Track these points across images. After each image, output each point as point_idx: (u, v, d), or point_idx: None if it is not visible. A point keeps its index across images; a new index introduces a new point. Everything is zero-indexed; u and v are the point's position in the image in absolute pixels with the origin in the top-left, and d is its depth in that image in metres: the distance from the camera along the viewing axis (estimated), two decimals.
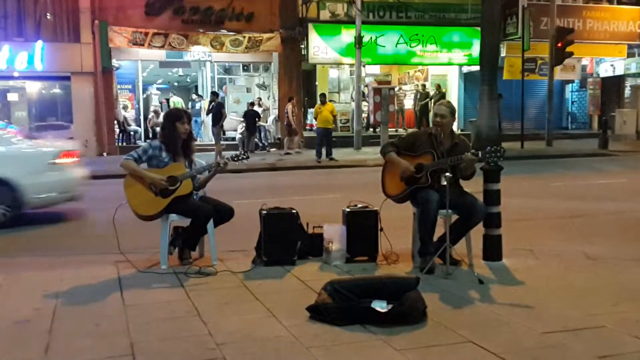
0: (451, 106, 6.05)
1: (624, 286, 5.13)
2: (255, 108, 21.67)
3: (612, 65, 27.51)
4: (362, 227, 6.03)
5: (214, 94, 20.21)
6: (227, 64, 24.80)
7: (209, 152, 18.33)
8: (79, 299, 4.95)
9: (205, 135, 23.08)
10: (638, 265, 5.86)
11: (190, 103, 25.25)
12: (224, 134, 20.66)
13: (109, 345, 3.91)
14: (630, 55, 26.76)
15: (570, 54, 21.27)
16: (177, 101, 24.97)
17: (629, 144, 21.54)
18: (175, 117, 6.07)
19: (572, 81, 28.16)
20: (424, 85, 25.86)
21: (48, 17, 20.62)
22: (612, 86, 27.89)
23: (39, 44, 20.27)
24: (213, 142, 19.65)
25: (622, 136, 22.90)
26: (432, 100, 24.72)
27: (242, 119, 21.42)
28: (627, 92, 27.51)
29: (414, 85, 26.73)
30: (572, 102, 29.19)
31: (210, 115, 19.72)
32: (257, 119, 20.99)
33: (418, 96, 25.25)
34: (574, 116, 29.03)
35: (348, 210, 6.12)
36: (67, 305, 4.78)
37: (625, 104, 26.91)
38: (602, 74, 27.96)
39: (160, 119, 23.54)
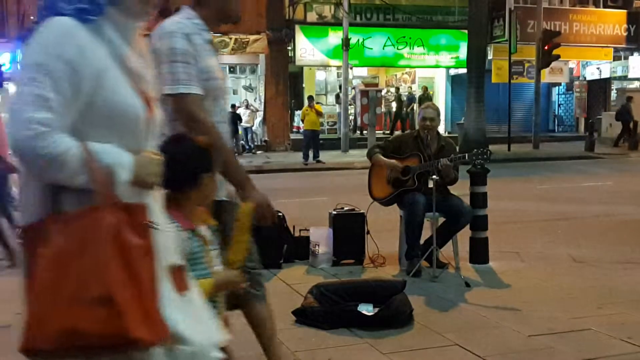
0: (437, 108, 6.06)
1: (609, 289, 5.14)
2: (242, 110, 21.61)
3: (598, 68, 27.72)
4: (348, 230, 6.01)
5: None
6: None
7: None
8: None
9: None
10: (624, 267, 5.88)
11: None
12: None
13: None
14: (616, 58, 26.97)
15: (557, 57, 21.40)
16: None
17: (615, 147, 21.69)
18: None
19: (559, 84, 28.35)
20: (397, 89, 25.98)
21: (32, 19, 20.50)
22: (599, 89, 28.09)
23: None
24: None
25: (608, 139, 23.05)
26: (418, 102, 24.81)
27: None
28: (614, 95, 27.71)
29: (392, 89, 26.81)
30: (559, 105, 29.38)
31: None
32: (239, 121, 20.90)
33: (403, 99, 25.35)
34: (561, 119, 29.22)
35: (334, 213, 6.10)
36: None
37: (611, 107, 27.10)
38: (589, 77, 28.17)
39: None
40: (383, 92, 25.51)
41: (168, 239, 1.93)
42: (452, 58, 24.82)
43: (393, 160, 5.84)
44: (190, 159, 2.31)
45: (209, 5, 2.90)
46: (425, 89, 25.50)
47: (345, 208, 6.21)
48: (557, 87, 28.96)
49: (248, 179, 2.90)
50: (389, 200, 5.96)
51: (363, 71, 26.78)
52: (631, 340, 3.91)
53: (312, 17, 23.20)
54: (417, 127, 6.20)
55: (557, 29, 23.68)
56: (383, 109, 25.26)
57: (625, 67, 27.13)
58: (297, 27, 22.87)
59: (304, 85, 25.11)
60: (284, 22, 22.67)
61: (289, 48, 23.09)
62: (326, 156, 18.84)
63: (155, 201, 1.90)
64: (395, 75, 28.29)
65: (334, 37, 22.75)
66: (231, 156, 2.91)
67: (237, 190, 2.88)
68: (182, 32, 2.78)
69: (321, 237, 6.02)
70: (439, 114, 5.97)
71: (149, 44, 2.63)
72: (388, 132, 24.94)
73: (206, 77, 2.80)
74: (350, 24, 21.63)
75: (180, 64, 2.73)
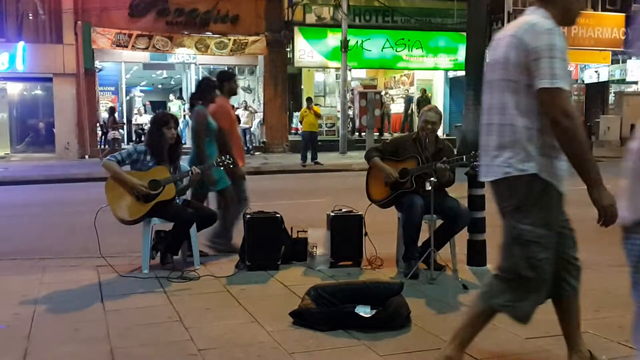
0: (440, 112, 6.05)
1: (607, 292, 5.14)
2: (241, 111, 21.58)
3: (596, 71, 27.75)
4: (346, 232, 6.00)
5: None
6: (212, 67, 24.70)
7: None
8: (59, 304, 4.88)
9: (188, 138, 23.01)
10: (621, 270, 5.83)
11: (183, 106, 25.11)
12: None
13: (89, 351, 3.86)
14: (614, 61, 27.02)
15: None
16: (173, 105, 24.80)
17: (612, 150, 21.72)
18: (162, 122, 5.99)
19: None
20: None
21: (30, 17, 20.45)
22: (596, 92, 28.13)
23: (21, 44, 20.12)
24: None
25: (606, 142, 23.09)
26: (417, 105, 24.87)
27: None
28: (611, 98, 27.77)
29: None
30: None
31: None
32: (237, 122, 20.86)
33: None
34: None
35: (332, 214, 6.09)
36: (46, 311, 4.71)
37: (609, 110, 27.15)
38: (587, 80, 28.21)
39: (144, 118, 23.53)
40: (382, 94, 25.51)
41: None
42: (450, 60, 24.83)
43: (390, 168, 5.83)
44: None
45: (556, 4, 3.07)
46: (423, 91, 25.51)
47: (343, 210, 6.20)
48: None
49: (598, 178, 3.04)
50: (387, 202, 5.96)
51: (362, 73, 26.79)
52: (629, 343, 3.90)
53: (311, 18, 23.21)
54: (415, 129, 6.19)
55: None
56: (382, 111, 25.27)
57: (623, 71, 27.17)
58: (295, 29, 22.87)
59: (302, 86, 25.12)
60: (283, 23, 22.69)
61: (288, 49, 23.10)
62: (324, 158, 18.84)
63: None
64: (394, 78, 28.28)
65: (333, 39, 22.76)
66: (585, 153, 3.02)
67: (587, 187, 3.04)
68: (559, 30, 2.95)
69: (319, 239, 6.02)
70: (441, 118, 5.96)
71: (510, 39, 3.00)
72: (387, 134, 24.98)
73: (569, 74, 2.99)
74: (349, 26, 21.65)
75: (558, 60, 2.89)
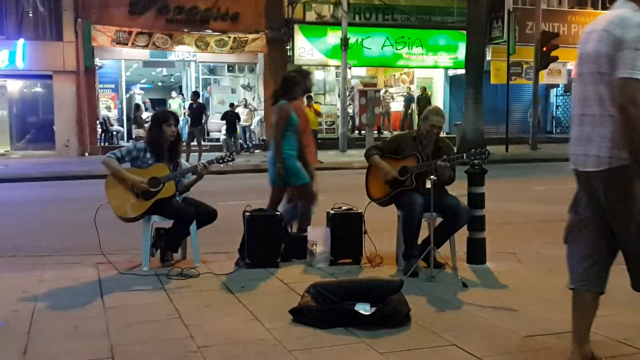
0: (444, 114, 6.05)
1: (606, 290, 5.13)
2: (241, 109, 21.55)
3: None
4: (346, 230, 6.00)
5: (195, 94, 19.99)
6: (211, 64, 24.71)
7: (192, 152, 18.21)
8: (59, 301, 4.88)
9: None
10: (621, 269, 5.86)
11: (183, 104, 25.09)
12: (208, 134, 20.52)
13: (89, 348, 3.85)
14: None
15: (555, 58, 21.40)
16: (173, 103, 24.76)
17: None
18: (161, 119, 5.98)
19: (557, 85, 28.35)
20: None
21: (30, 15, 20.44)
22: None
23: (21, 42, 20.10)
24: (194, 144, 19.47)
25: None
26: (416, 103, 24.87)
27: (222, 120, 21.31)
28: None
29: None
30: (557, 107, 29.37)
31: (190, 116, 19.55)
32: (237, 120, 20.84)
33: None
34: (559, 120, 29.21)
35: (332, 212, 6.09)
36: (46, 308, 4.71)
37: None
38: None
39: (143, 115, 23.53)
40: (382, 92, 25.50)
41: None
42: (450, 59, 24.81)
43: (388, 166, 5.83)
44: None
45: None
46: (423, 89, 25.49)
47: (343, 207, 6.20)
48: (555, 89, 28.93)
49: None
50: (387, 201, 5.96)
51: (362, 71, 26.75)
52: (628, 341, 3.91)
53: (311, 16, 23.17)
54: (415, 127, 6.18)
55: (556, 31, 23.72)
56: (381, 109, 25.28)
57: None
58: (295, 27, 22.84)
59: None
60: (283, 21, 22.65)
61: (288, 47, 23.06)
62: (324, 156, 18.79)
63: None
64: (394, 76, 28.25)
65: (333, 37, 22.73)
66: None
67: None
68: None
69: (319, 237, 6.01)
70: (445, 120, 5.97)
71: (601, 31, 3.07)
72: (387, 132, 24.96)
73: None
74: (349, 24, 21.61)
75: None
